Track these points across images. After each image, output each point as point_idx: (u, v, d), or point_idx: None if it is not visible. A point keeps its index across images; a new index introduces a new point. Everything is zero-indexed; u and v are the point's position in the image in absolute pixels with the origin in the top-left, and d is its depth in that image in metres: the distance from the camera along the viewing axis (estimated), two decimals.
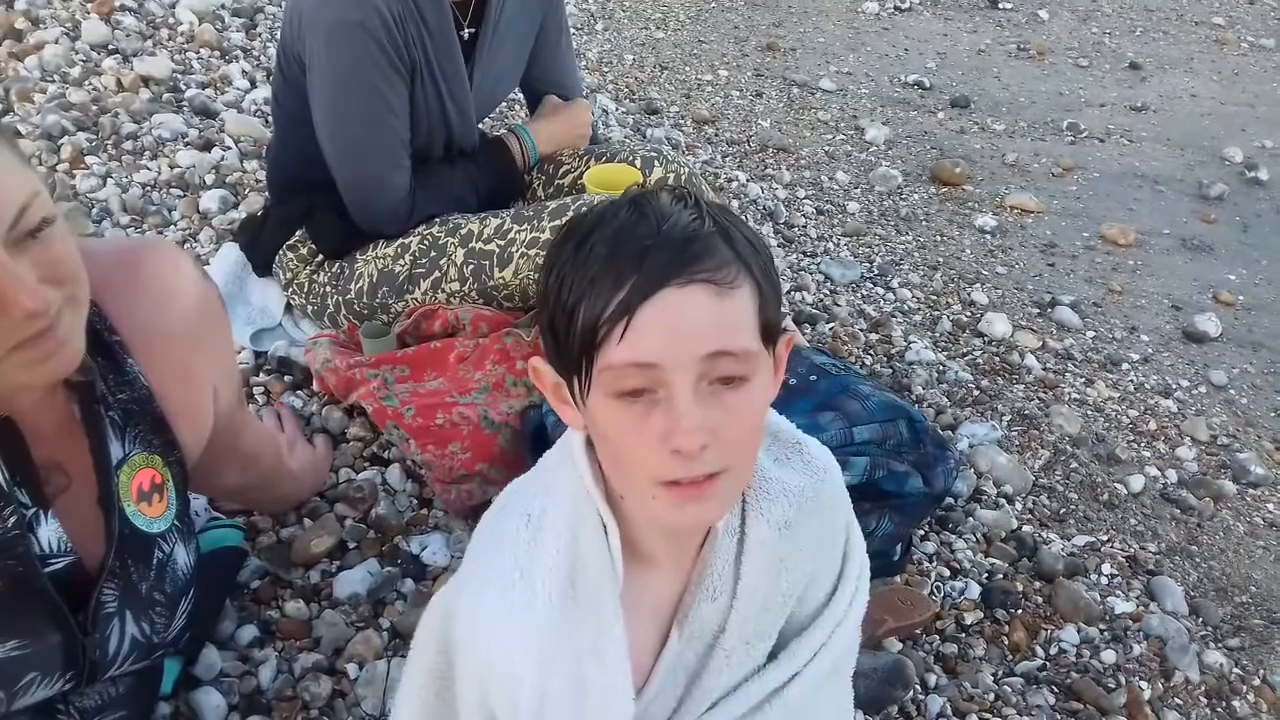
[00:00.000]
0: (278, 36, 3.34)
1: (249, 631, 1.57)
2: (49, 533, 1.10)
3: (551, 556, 0.95)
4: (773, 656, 1.11)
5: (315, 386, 2.02)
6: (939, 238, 3.66)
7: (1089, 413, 2.70)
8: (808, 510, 1.03)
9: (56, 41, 2.99)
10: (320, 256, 2.14)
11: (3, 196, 0.92)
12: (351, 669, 1.52)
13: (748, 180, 3.65)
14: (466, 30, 2.05)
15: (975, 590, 1.90)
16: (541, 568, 0.95)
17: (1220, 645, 1.98)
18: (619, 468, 0.89)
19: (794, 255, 3.19)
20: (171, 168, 2.60)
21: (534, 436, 1.83)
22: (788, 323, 2.31)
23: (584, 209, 1.87)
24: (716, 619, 1.03)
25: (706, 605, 1.01)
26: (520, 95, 2.56)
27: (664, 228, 0.83)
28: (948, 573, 1.94)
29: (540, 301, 0.90)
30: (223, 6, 3.51)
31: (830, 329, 2.70)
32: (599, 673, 0.96)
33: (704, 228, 0.84)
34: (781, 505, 1.02)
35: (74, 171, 2.51)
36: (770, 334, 0.87)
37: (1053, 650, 1.84)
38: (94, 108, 2.75)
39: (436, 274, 2.01)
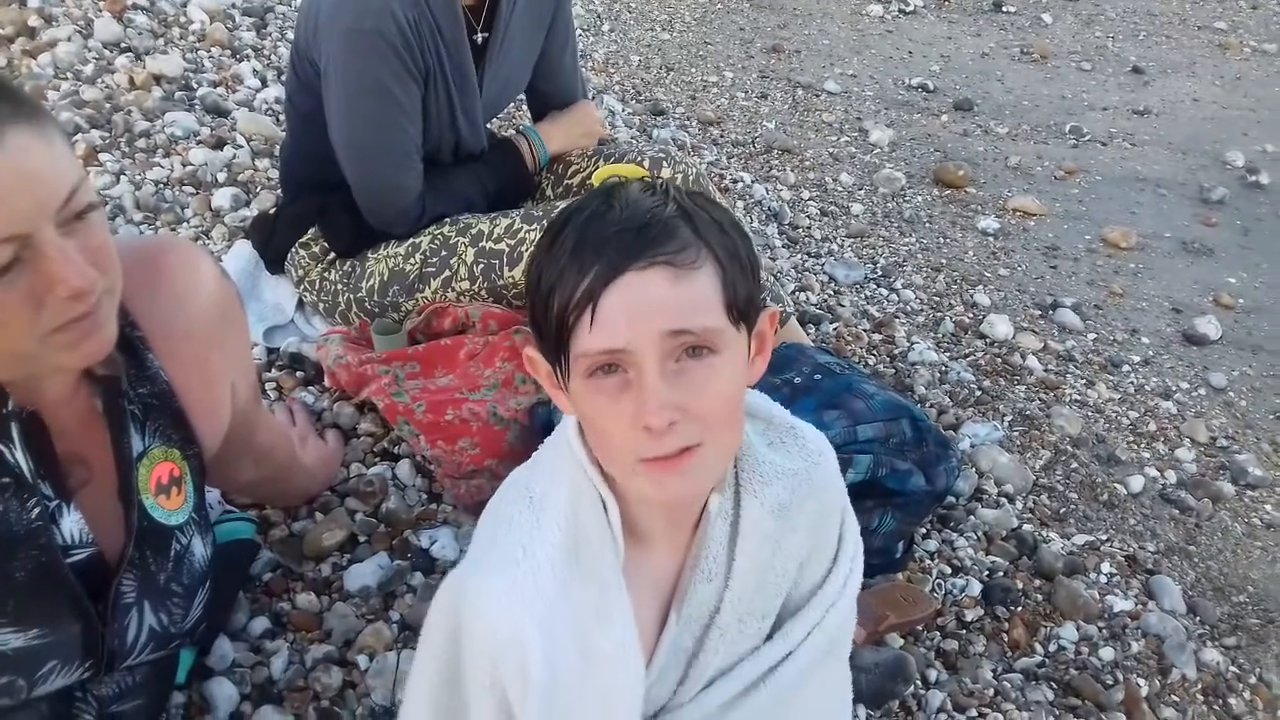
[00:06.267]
0: (289, 36, 3.39)
1: (261, 623, 1.59)
2: (71, 524, 1.12)
3: (553, 532, 0.99)
4: (770, 638, 1.14)
5: (327, 382, 2.04)
6: (942, 239, 3.68)
7: (1089, 414, 2.72)
8: (802, 492, 1.07)
9: (69, 39, 3.01)
10: (332, 254, 2.16)
11: (58, 177, 0.96)
12: (362, 660, 1.55)
13: (753, 181, 3.67)
14: (480, 35, 2.07)
15: (976, 588, 1.93)
16: (545, 543, 0.99)
17: (1217, 644, 2.00)
18: (603, 448, 0.95)
19: (799, 256, 3.21)
20: (184, 165, 2.62)
21: (542, 432, 1.85)
22: (785, 308, 2.30)
23: None
24: (712, 599, 1.06)
25: (702, 586, 1.05)
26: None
27: (626, 214, 0.88)
28: (949, 570, 1.97)
29: (525, 294, 0.95)
30: (234, 5, 3.54)
31: (834, 329, 2.73)
32: (605, 640, 0.99)
33: (665, 212, 0.89)
34: (776, 488, 1.05)
35: (87, 169, 2.53)
36: (741, 312, 0.91)
37: (1052, 647, 1.86)
38: (107, 105, 2.78)
39: (447, 273, 2.04)
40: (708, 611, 1.07)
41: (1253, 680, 1.93)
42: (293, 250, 2.19)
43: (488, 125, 2.26)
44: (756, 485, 1.05)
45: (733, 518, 1.05)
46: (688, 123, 4.27)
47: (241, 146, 2.75)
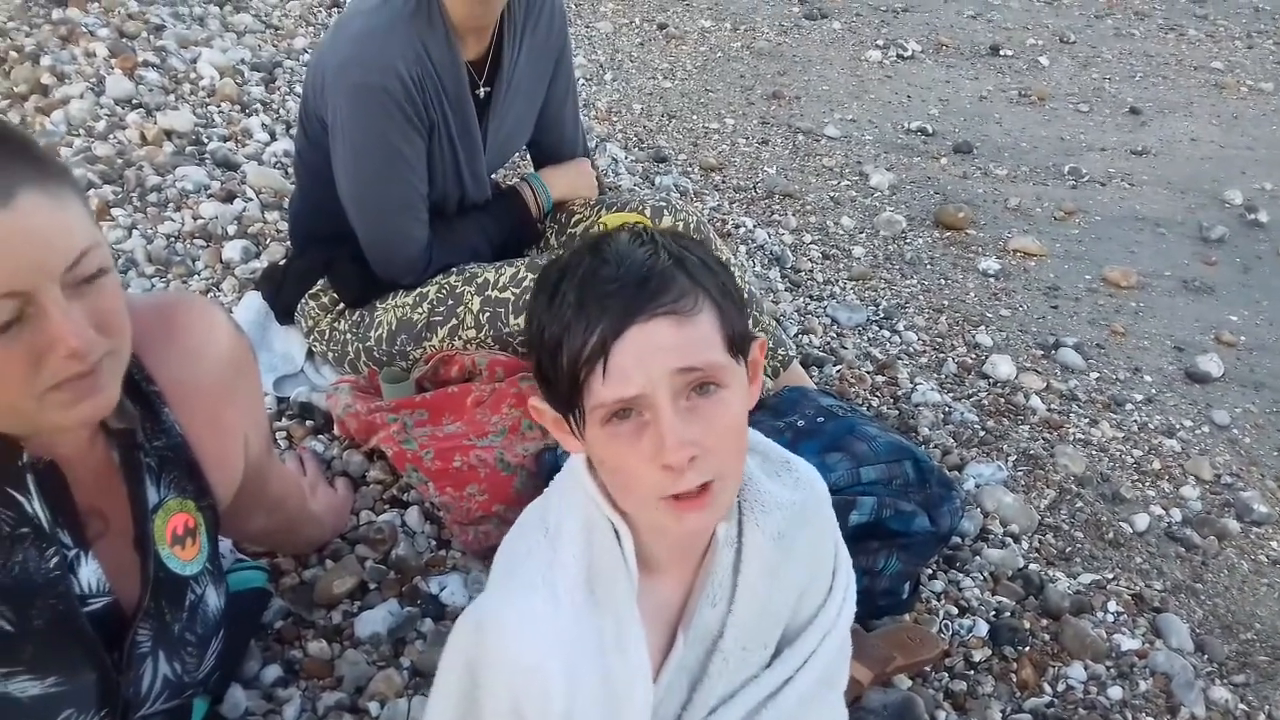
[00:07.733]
0: (297, 90, 3.45)
1: (273, 671, 1.61)
2: (88, 574, 1.14)
3: (570, 563, 1.03)
4: (770, 666, 1.17)
5: (336, 431, 2.07)
6: (943, 281, 3.71)
7: (1094, 453, 2.73)
8: (798, 522, 1.11)
9: (81, 96, 3.08)
10: (341, 305, 2.20)
11: (67, 239, 0.98)
12: (373, 707, 1.56)
13: (755, 226, 3.71)
14: (482, 89, 2.11)
15: (983, 628, 1.94)
16: (563, 573, 1.02)
17: (1225, 681, 2.00)
18: (622, 488, 0.98)
19: (801, 299, 3.24)
20: (195, 219, 2.67)
21: (549, 478, 1.86)
22: (788, 350, 2.33)
23: None
24: (716, 624, 1.10)
25: (707, 610, 1.09)
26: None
27: (623, 269, 0.91)
28: (956, 611, 1.97)
29: (527, 348, 0.99)
30: (243, 61, 3.61)
31: (837, 371, 2.75)
32: (622, 666, 1.02)
33: (660, 262, 0.92)
34: (775, 517, 1.09)
35: (100, 224, 2.58)
36: (738, 345, 0.96)
37: (1060, 687, 1.86)
38: (119, 161, 2.83)
39: (454, 322, 2.07)
40: (711, 636, 1.10)
41: (1261, 718, 1.92)
42: (302, 301, 2.23)
43: (492, 176, 2.30)
44: (758, 515, 1.09)
45: (736, 545, 1.09)
46: (690, 169, 4.32)
47: (251, 200, 2.79)
